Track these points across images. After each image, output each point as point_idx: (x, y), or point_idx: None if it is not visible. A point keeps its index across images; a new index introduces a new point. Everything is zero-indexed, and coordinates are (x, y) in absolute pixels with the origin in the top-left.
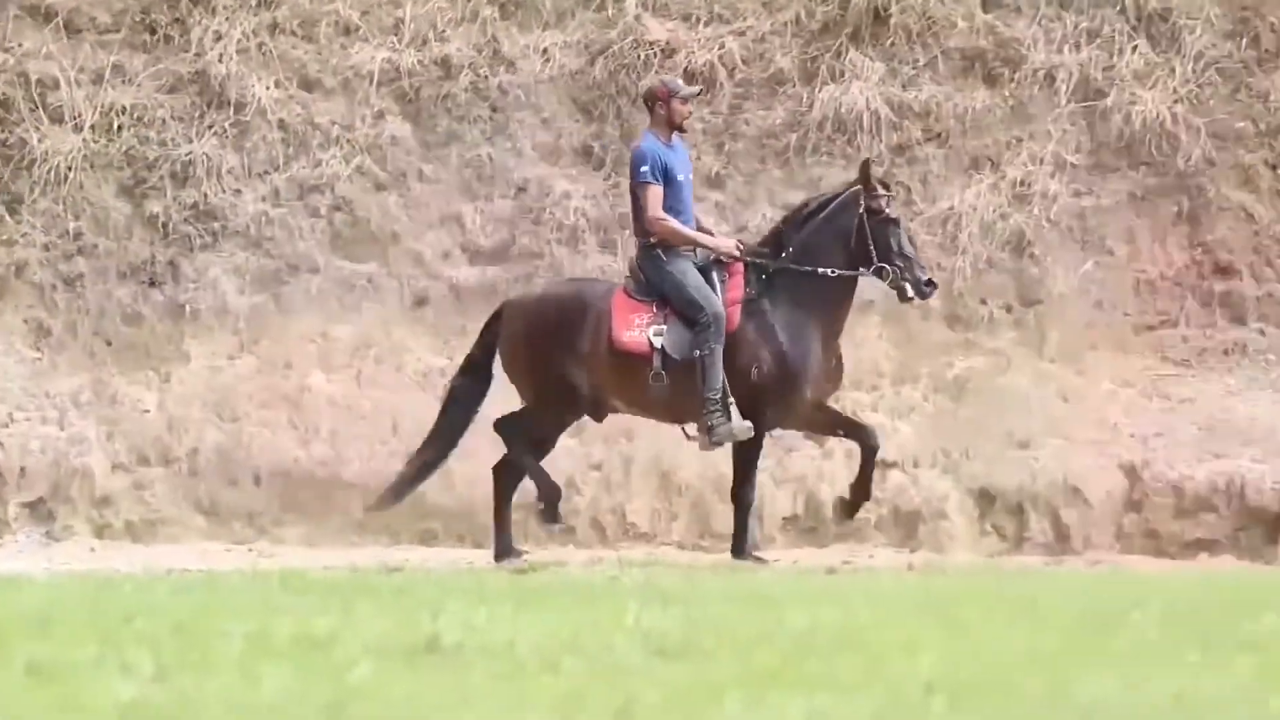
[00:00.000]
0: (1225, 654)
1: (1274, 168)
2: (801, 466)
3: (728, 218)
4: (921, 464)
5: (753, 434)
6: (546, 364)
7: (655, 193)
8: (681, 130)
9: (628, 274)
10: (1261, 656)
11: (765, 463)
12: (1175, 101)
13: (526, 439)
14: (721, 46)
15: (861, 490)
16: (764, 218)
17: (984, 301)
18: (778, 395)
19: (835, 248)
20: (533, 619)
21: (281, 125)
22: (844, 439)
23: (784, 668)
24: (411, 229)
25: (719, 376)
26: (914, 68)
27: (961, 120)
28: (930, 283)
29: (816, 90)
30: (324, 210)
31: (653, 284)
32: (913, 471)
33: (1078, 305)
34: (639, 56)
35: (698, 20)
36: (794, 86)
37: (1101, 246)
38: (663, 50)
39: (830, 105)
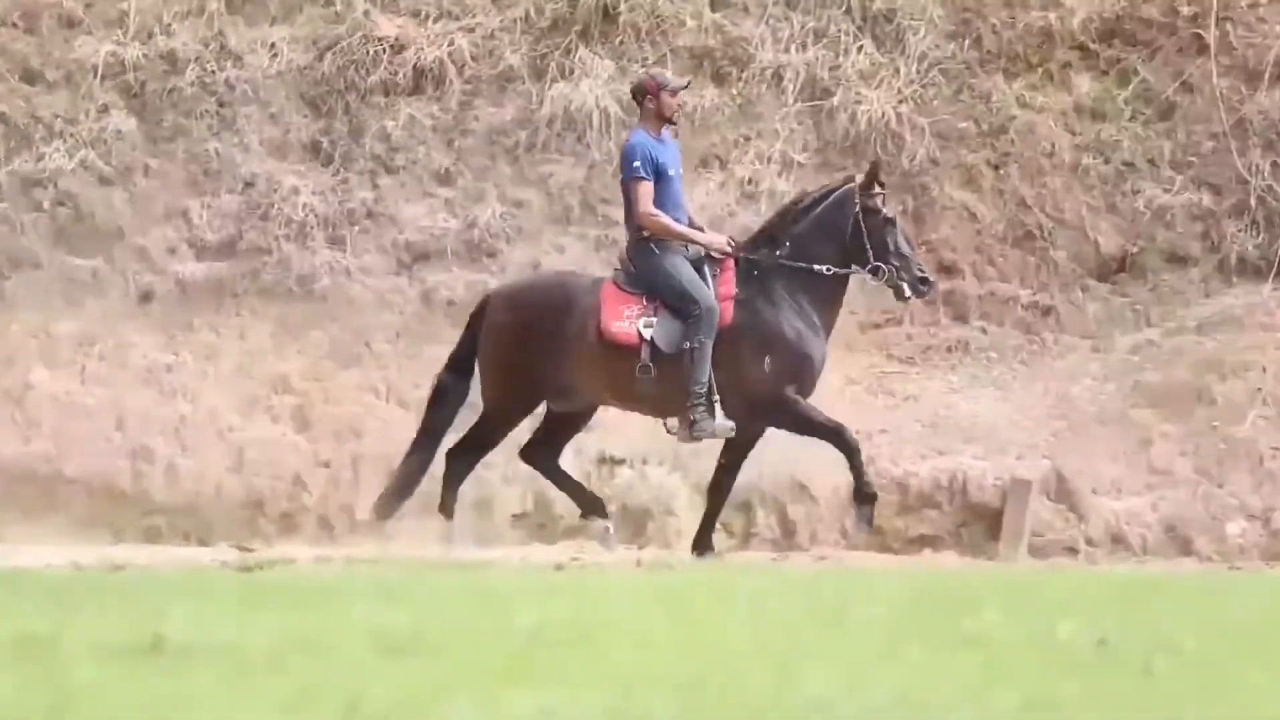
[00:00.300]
0: (948, 650)
1: (996, 168)
2: None
3: (457, 214)
4: (650, 461)
5: (733, 434)
6: (527, 356)
7: (646, 188)
8: (672, 123)
9: (617, 266)
10: (984, 652)
11: (496, 459)
12: (900, 101)
13: (472, 453)
14: (451, 43)
15: (862, 494)
16: (494, 214)
17: None
18: (771, 391)
19: (829, 245)
20: (259, 618)
21: (3, 119)
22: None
23: (513, 665)
24: (137, 224)
25: (706, 370)
26: (643, 65)
27: (690, 118)
28: (926, 281)
29: (546, 87)
30: (47, 205)
31: (644, 276)
32: (641, 468)
33: None
34: (368, 52)
35: (427, 16)
36: (524, 84)
37: None
38: (392, 46)
39: (560, 102)
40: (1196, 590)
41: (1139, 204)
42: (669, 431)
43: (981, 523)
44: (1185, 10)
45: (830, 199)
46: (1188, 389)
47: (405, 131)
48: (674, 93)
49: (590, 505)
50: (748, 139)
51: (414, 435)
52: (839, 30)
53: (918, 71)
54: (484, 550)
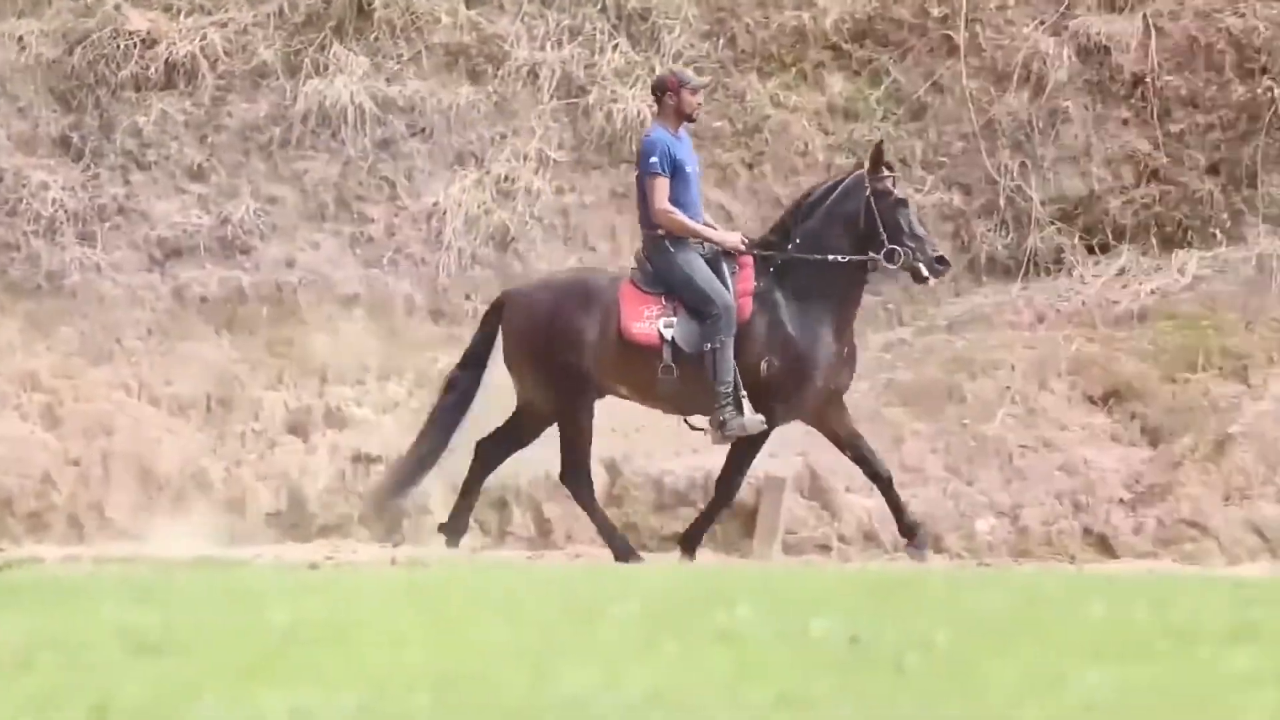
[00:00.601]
0: (702, 646)
1: (750, 167)
2: (284, 461)
3: (210, 210)
4: None
5: (765, 427)
6: (549, 354)
7: (662, 184)
8: (691, 120)
9: (634, 265)
10: (737, 648)
11: (249, 457)
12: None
13: (505, 447)
14: (203, 38)
15: (905, 526)
16: (247, 211)
17: (468, 297)
18: (791, 387)
19: (843, 234)
20: (7, 617)
21: None
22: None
23: (266, 663)
24: None
25: (730, 369)
26: (398, 62)
27: (446, 115)
28: (942, 259)
29: (301, 83)
30: None
31: (660, 275)
32: None
33: None
34: (119, 46)
35: (179, 11)
36: (278, 79)
37: (584, 242)
38: (143, 40)
39: (314, 98)
40: (946, 587)
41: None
42: (693, 429)
43: (735, 520)
44: (936, 11)
45: (840, 188)
46: (938, 387)
47: (157, 127)
48: (695, 90)
49: (455, 525)
50: (504, 136)
51: (419, 431)
52: (594, 28)
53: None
54: (237, 549)
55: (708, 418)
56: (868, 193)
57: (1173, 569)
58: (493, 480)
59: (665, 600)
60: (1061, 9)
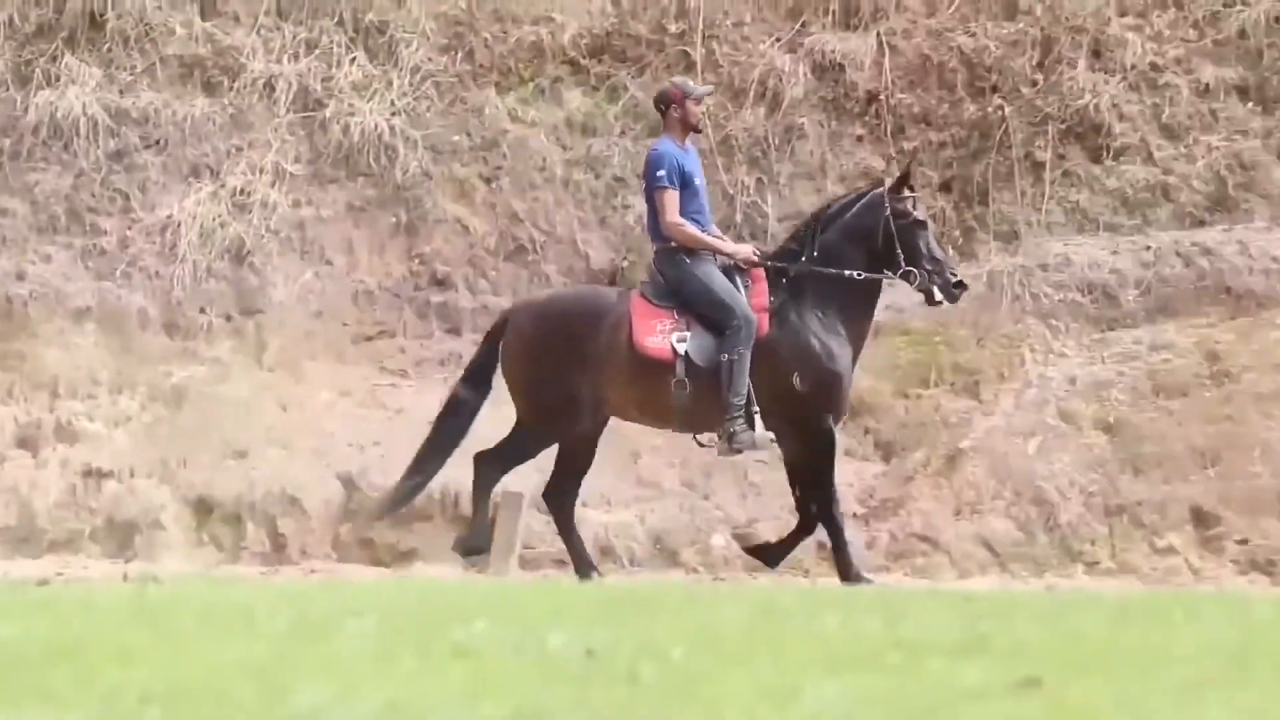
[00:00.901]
0: (439, 660)
1: (488, 181)
2: (14, 476)
3: None
4: (138, 473)
5: (774, 444)
6: (553, 373)
7: (672, 197)
8: (697, 131)
9: (645, 279)
10: (474, 662)
11: None
12: (393, 114)
13: (503, 462)
14: None
15: (772, 552)
16: None
17: (203, 310)
18: (824, 400)
19: (859, 250)
20: None
21: None
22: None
23: None
24: None
25: (745, 383)
26: (132, 74)
27: (181, 127)
28: (960, 284)
29: (31, 94)
30: None
31: (675, 288)
32: (129, 481)
33: (297, 314)
34: None
35: None
36: (8, 90)
37: (321, 256)
38: None
39: (46, 110)
40: (682, 601)
41: (629, 218)
42: (701, 445)
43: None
44: (673, 28)
45: (859, 203)
46: None
47: None
48: (699, 100)
49: (476, 542)
50: (240, 149)
51: (420, 446)
52: (331, 41)
53: (410, 84)
54: None
55: (715, 432)
56: (887, 212)
57: (905, 582)
58: (227, 495)
59: (401, 616)
60: (796, 26)
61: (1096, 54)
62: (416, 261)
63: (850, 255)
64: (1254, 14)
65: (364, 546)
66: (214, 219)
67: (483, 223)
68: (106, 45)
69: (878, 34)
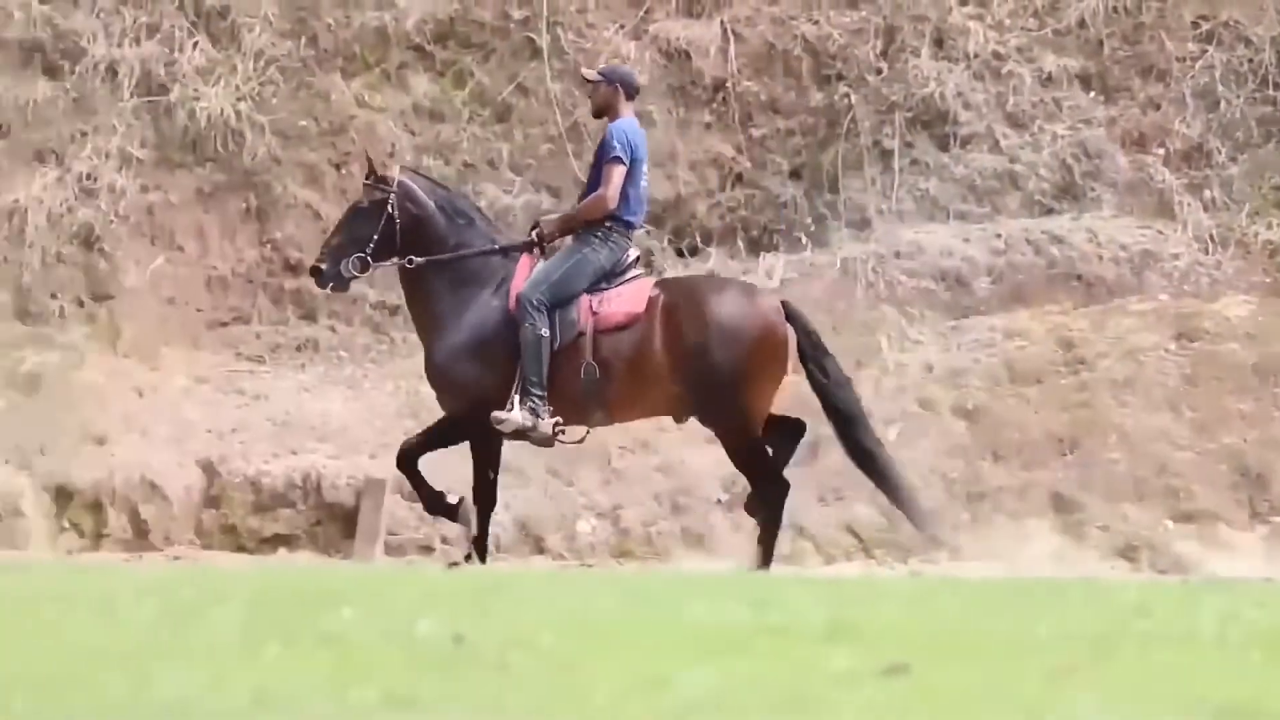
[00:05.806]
0: (305, 648)
1: (337, 166)
2: None
3: None
4: None
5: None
6: None
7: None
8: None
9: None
10: (340, 649)
11: None
12: (239, 99)
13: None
14: None
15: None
16: None
17: (54, 296)
18: None
19: None
20: None
21: None
22: None
23: None
24: None
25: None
26: None
27: (23, 112)
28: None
29: None
30: None
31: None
32: None
33: (150, 301)
34: None
35: None
36: None
37: (172, 242)
38: None
39: None
40: (549, 587)
41: (481, 204)
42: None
43: (336, 522)
44: (517, 14)
45: None
46: None
47: None
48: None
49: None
50: (84, 134)
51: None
52: (173, 26)
53: (255, 69)
54: None
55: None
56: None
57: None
58: (86, 482)
59: (268, 603)
60: (641, 13)
61: (939, 43)
62: (268, 247)
63: None
64: (1093, 4)
65: (227, 533)
66: (60, 204)
67: (334, 208)
68: None
69: (721, 22)
